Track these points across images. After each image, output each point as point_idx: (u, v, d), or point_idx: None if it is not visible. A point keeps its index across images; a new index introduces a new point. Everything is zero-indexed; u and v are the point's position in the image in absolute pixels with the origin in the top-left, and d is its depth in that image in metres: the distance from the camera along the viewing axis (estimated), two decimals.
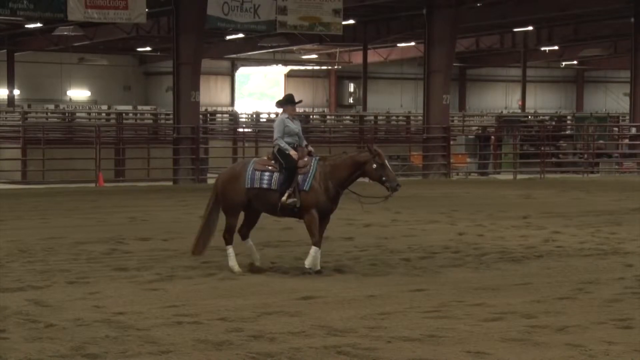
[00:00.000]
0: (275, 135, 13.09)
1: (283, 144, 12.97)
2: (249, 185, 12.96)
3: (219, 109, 55.85)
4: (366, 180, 13.30)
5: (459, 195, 25.85)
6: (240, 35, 46.20)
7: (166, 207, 22.14)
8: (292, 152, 12.93)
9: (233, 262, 12.94)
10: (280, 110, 13.58)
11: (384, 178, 12.85)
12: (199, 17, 30.54)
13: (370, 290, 11.54)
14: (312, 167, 12.90)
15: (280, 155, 12.98)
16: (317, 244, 12.79)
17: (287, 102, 13.37)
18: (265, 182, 12.92)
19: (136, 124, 42.17)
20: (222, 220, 13.31)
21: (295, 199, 12.80)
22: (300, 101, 13.77)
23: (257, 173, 12.96)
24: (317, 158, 13.12)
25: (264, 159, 13.33)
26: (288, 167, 12.87)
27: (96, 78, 60.05)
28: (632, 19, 37.66)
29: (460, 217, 19.92)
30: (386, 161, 12.94)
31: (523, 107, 57.85)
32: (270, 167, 12.99)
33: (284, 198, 12.79)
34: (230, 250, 13.00)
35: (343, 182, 12.97)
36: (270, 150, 13.34)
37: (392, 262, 13.85)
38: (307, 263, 12.80)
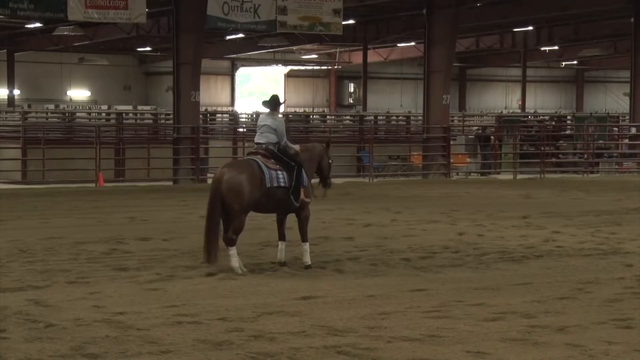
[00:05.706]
0: (284, 137, 13.27)
1: (289, 144, 13.35)
2: (269, 185, 12.99)
3: (219, 109, 55.83)
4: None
5: (459, 195, 25.84)
6: (240, 35, 46.24)
7: (166, 207, 22.12)
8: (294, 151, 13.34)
9: (236, 264, 12.85)
10: (267, 110, 13.56)
11: (329, 174, 13.78)
12: (199, 17, 30.55)
13: (370, 290, 11.53)
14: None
15: (287, 155, 13.21)
16: (307, 240, 13.30)
17: (277, 103, 13.55)
18: (281, 180, 13.04)
19: (136, 124, 42.16)
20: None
21: (310, 198, 13.26)
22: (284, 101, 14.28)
23: (273, 172, 13.06)
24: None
25: (262, 158, 13.25)
26: (298, 164, 13.16)
27: (96, 78, 60.05)
28: (632, 19, 37.65)
29: (460, 217, 19.91)
30: None
31: (523, 107, 57.87)
32: (278, 166, 13.14)
33: (302, 196, 13.10)
34: (233, 251, 12.87)
35: (311, 175, 13.64)
36: (255, 149, 13.37)
37: (392, 262, 13.83)
38: (307, 260, 13.12)
